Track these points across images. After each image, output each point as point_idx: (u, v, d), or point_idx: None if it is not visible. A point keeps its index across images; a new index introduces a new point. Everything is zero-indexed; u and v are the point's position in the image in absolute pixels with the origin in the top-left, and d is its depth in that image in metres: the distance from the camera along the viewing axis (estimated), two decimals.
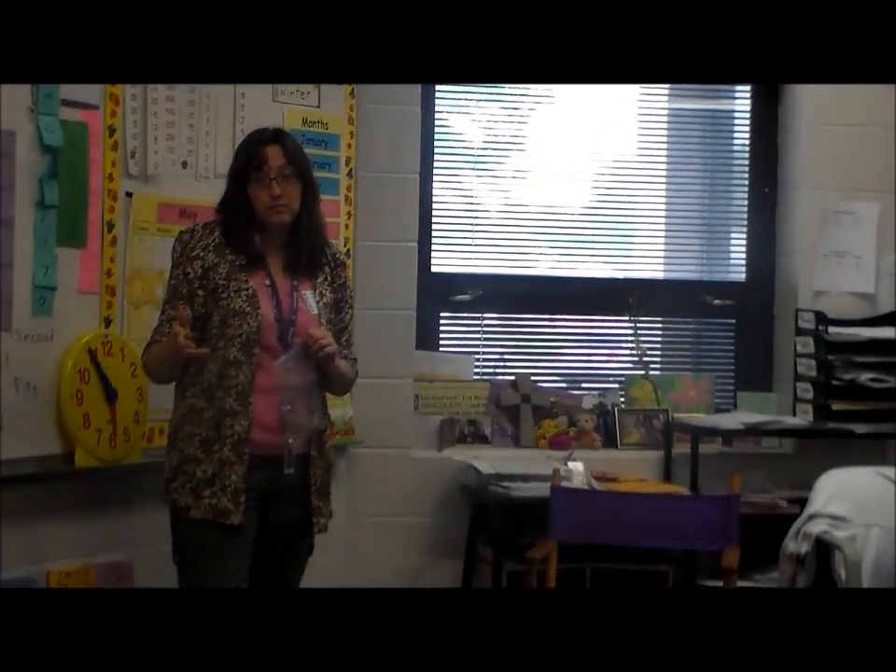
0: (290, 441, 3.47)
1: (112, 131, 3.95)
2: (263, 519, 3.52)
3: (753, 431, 5.16)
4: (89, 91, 3.86)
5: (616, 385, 5.48)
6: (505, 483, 4.73)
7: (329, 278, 3.64)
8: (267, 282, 3.52)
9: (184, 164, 4.22)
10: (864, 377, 5.18)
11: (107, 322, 3.95)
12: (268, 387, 3.46)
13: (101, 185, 3.92)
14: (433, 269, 5.28)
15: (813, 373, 5.24)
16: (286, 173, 3.50)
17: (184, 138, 4.20)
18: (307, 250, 3.58)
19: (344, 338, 3.68)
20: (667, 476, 5.15)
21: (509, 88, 5.41)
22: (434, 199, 5.29)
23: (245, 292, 3.47)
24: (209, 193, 4.15)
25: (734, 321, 5.61)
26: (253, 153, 3.51)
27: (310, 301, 3.56)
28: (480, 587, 4.88)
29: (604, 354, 5.61)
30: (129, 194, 4.02)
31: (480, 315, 5.41)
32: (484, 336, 5.43)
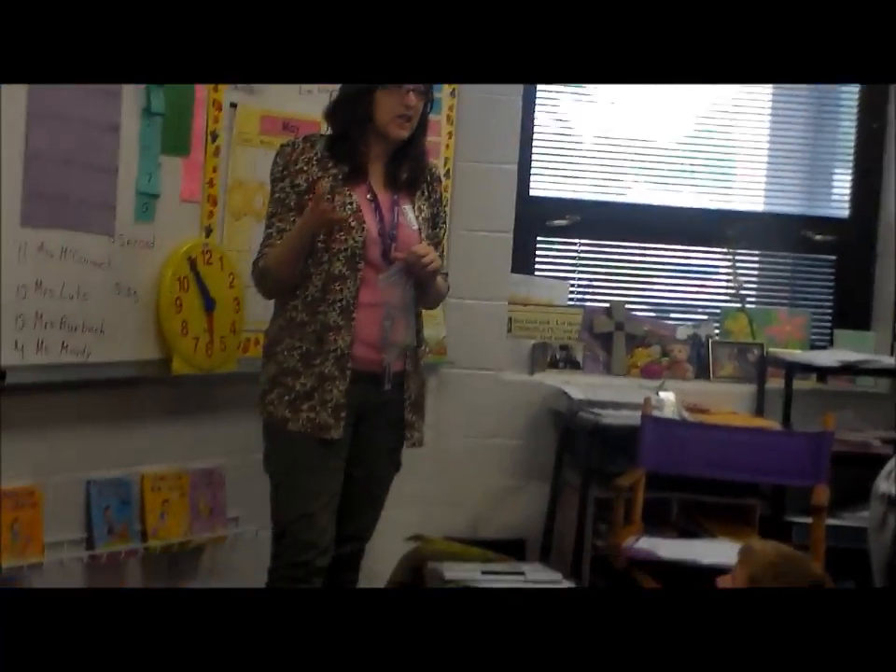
0: (389, 357, 3.47)
1: None
2: (356, 433, 3.52)
3: (849, 369, 5.07)
4: None
5: (708, 317, 5.43)
6: (595, 410, 4.72)
7: (426, 193, 3.62)
8: (369, 196, 3.49)
9: None
10: None
11: (208, 231, 3.97)
12: (370, 303, 3.44)
13: (206, 94, 3.93)
14: (531, 193, 5.25)
15: None
16: (420, 88, 3.47)
17: None
18: (413, 166, 3.55)
19: (438, 253, 3.66)
20: (759, 411, 5.11)
21: None
22: (535, 123, 5.24)
23: (349, 206, 3.45)
24: (312, 107, 4.15)
25: (834, 257, 5.52)
26: None
27: (410, 215, 3.55)
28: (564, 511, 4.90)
29: (699, 285, 5.55)
30: (233, 105, 4.03)
31: (576, 240, 5.37)
32: (580, 262, 5.40)
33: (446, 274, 3.72)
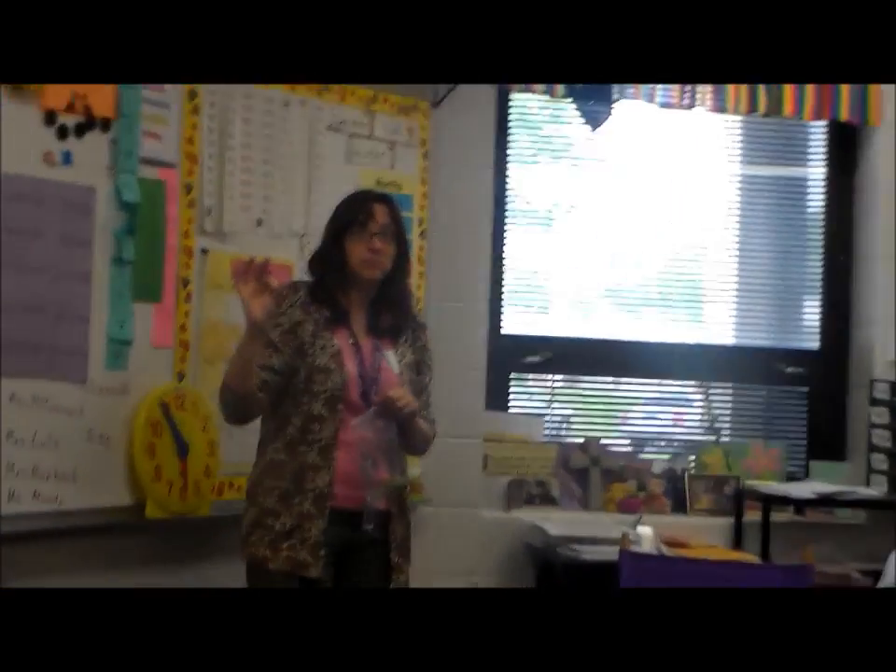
0: (370, 497, 3.49)
1: (189, 188, 4.02)
2: (339, 575, 3.52)
3: (826, 501, 5.08)
4: (167, 150, 3.93)
5: (683, 451, 5.45)
6: (573, 546, 4.70)
7: (410, 340, 3.69)
8: (351, 340, 3.57)
9: (258, 222, 4.26)
10: None
11: (180, 376, 4.00)
12: (350, 443, 3.49)
13: (177, 241, 3.99)
14: (503, 331, 5.29)
15: (888, 444, 5.18)
16: (387, 232, 3.57)
17: (259, 196, 4.26)
18: (395, 312, 3.65)
19: (424, 398, 3.70)
20: (737, 544, 5.10)
21: (580, 150, 5.43)
22: (505, 260, 5.31)
23: (330, 349, 3.52)
24: (283, 251, 4.22)
25: (806, 389, 5.56)
26: (361, 208, 3.58)
27: (391, 360, 3.61)
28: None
29: (674, 419, 5.57)
30: (204, 251, 4.09)
31: (549, 376, 5.41)
32: (554, 398, 5.43)
33: (434, 420, 3.76)
